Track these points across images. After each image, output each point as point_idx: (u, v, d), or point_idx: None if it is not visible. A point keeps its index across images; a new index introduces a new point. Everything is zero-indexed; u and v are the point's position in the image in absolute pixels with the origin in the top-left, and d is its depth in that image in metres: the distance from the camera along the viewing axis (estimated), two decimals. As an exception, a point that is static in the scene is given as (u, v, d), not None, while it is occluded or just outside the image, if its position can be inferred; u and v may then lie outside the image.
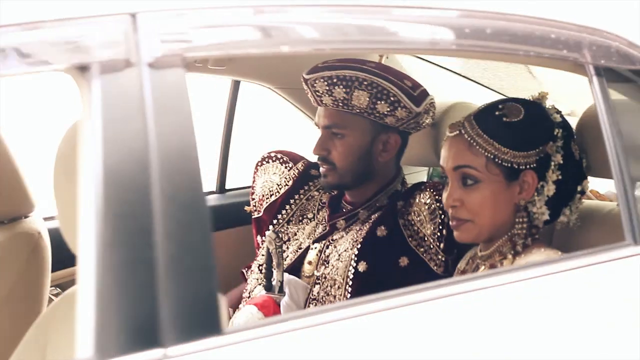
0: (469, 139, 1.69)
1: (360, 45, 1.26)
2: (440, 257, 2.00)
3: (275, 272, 2.19)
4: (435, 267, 2.00)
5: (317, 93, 2.11)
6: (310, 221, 2.35)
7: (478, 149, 1.68)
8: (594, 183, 1.92)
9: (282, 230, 2.36)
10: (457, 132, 1.73)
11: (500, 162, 1.67)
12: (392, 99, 2.04)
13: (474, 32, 1.29)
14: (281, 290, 2.18)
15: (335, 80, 2.05)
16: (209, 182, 2.93)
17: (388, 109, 2.05)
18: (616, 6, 1.51)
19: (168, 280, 1.04)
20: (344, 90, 2.05)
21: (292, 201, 2.39)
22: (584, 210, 1.80)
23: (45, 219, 2.07)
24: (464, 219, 1.72)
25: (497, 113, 1.70)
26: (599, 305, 1.35)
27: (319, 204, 2.36)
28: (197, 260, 1.07)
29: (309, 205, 2.38)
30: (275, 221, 2.37)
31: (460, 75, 3.44)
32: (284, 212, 2.38)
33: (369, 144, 2.14)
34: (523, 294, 1.31)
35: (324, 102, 2.12)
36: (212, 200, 2.88)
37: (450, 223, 1.75)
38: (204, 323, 1.07)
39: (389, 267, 2.05)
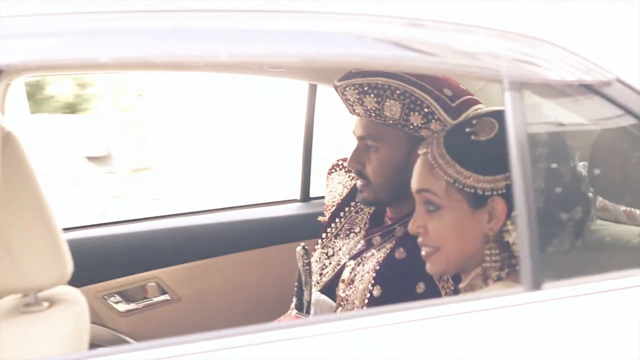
0: (431, 159, 1.49)
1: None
2: (450, 284, 1.79)
3: (304, 291, 2.09)
4: (445, 296, 1.79)
5: (348, 102, 1.96)
6: (356, 235, 2.20)
7: (438, 171, 1.47)
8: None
9: (329, 244, 2.24)
10: (425, 150, 1.53)
11: (461, 187, 1.45)
12: (425, 110, 1.84)
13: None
14: (309, 310, 2.08)
15: (366, 89, 1.88)
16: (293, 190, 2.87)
17: (422, 121, 1.85)
18: (559, 9, 1.23)
19: None
20: (375, 99, 1.87)
21: (342, 214, 2.25)
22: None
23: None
24: (430, 246, 1.52)
25: (467, 130, 1.48)
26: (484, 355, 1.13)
27: (367, 218, 2.21)
28: None
29: (357, 219, 2.23)
30: (324, 235, 2.25)
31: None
32: (333, 225, 2.25)
33: (404, 158, 1.95)
34: (407, 335, 1.12)
35: (356, 111, 1.96)
36: (295, 208, 2.80)
37: (422, 253, 1.56)
38: None
39: (404, 293, 1.86)
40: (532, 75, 1.15)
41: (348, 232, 2.22)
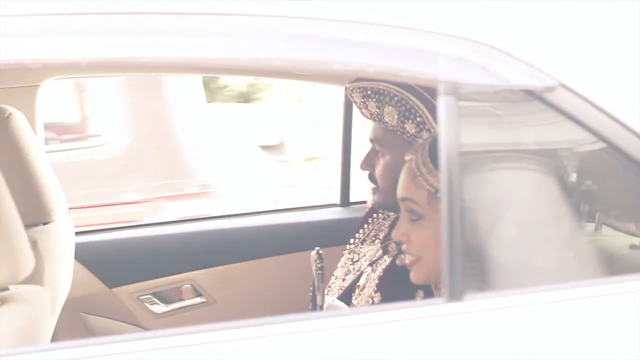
0: (415, 167, 1.45)
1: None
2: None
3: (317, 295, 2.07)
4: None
5: (356, 104, 1.96)
6: (380, 242, 2.16)
7: (421, 180, 1.43)
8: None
9: (356, 250, 2.21)
10: (410, 157, 1.49)
11: None
12: (418, 119, 1.81)
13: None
14: (323, 316, 2.05)
15: (369, 93, 1.87)
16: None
17: (415, 130, 1.82)
18: (501, 12, 1.16)
19: None
20: (376, 104, 1.86)
21: (370, 220, 2.22)
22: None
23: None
24: (413, 254, 1.48)
25: None
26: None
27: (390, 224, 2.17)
28: None
29: (384, 226, 2.19)
30: (352, 240, 2.23)
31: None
32: (361, 230, 2.22)
33: None
34: (321, 344, 1.10)
35: (364, 114, 1.95)
36: (335, 213, 2.77)
37: (406, 261, 1.53)
38: None
39: (403, 300, 1.82)
40: (470, 79, 1.09)
41: (374, 239, 2.19)
